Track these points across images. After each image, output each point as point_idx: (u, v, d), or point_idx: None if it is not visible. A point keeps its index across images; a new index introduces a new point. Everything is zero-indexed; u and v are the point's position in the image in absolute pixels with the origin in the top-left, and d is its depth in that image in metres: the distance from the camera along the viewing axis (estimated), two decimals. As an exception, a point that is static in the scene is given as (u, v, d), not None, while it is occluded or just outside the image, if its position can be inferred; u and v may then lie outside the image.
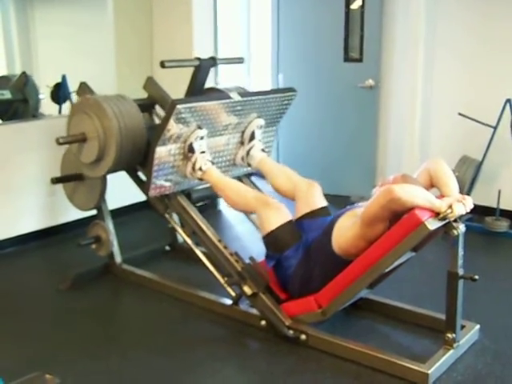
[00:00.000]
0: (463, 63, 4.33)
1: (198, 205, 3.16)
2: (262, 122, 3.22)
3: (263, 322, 2.71)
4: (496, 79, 4.20)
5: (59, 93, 4.39)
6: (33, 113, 4.27)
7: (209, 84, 3.55)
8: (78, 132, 2.96)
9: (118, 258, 3.42)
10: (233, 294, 2.85)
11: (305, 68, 5.04)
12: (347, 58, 4.79)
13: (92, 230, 3.42)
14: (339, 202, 2.95)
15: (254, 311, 2.76)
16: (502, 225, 4.01)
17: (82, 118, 2.94)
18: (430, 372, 2.31)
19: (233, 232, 4.22)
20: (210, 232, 2.95)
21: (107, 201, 3.41)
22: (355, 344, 2.50)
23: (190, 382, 2.40)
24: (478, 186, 4.08)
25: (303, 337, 2.59)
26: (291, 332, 2.62)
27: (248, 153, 3.21)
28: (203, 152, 2.95)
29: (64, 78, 4.34)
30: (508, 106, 3.94)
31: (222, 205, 4.57)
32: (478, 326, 2.67)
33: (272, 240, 2.71)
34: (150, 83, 3.25)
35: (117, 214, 3.73)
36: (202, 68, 3.30)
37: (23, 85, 4.27)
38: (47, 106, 4.41)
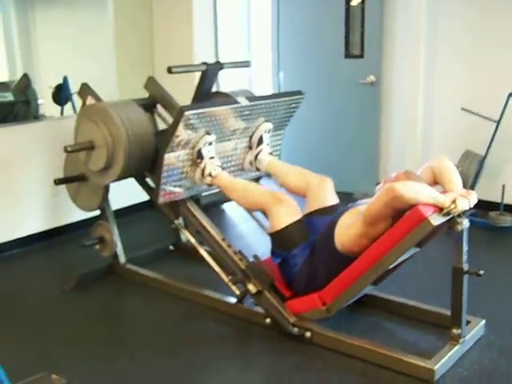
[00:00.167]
0: (465, 58, 4.32)
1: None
2: (269, 126, 3.20)
3: (268, 320, 2.71)
4: (498, 74, 4.18)
5: (61, 94, 4.39)
6: (33, 115, 4.27)
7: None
8: (85, 140, 2.95)
9: (122, 258, 3.43)
10: (237, 292, 2.85)
11: (306, 65, 5.04)
12: (348, 55, 4.79)
13: (96, 231, 3.42)
14: (341, 198, 2.93)
15: (259, 309, 2.76)
16: (507, 220, 3.99)
17: (89, 125, 2.93)
18: (435, 368, 2.30)
19: (236, 231, 4.22)
20: (213, 231, 2.95)
21: (110, 201, 3.42)
22: (360, 341, 2.50)
23: (196, 381, 2.40)
24: (481, 181, 4.07)
25: (308, 334, 2.59)
26: (296, 329, 2.61)
27: (256, 157, 3.19)
28: (212, 157, 2.94)
29: (65, 79, 4.34)
30: (511, 100, 3.93)
31: (225, 204, 4.56)
32: (483, 322, 2.66)
33: (280, 238, 2.70)
34: (151, 83, 3.25)
35: (120, 214, 3.73)
36: (209, 73, 3.28)
37: (25, 87, 4.27)
38: (49, 107, 4.42)
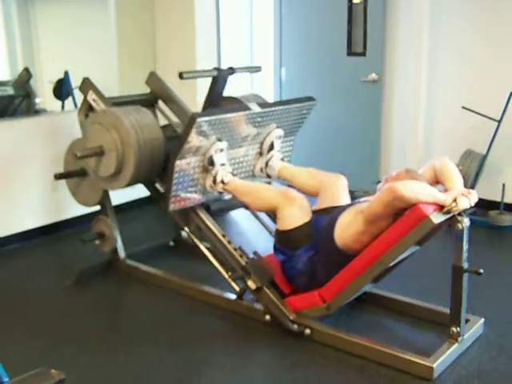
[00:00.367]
0: (467, 57, 4.31)
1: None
2: (280, 132, 3.17)
3: (268, 317, 2.71)
4: (500, 73, 4.17)
5: (62, 89, 4.38)
6: (34, 109, 4.27)
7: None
8: (95, 145, 2.93)
9: (122, 254, 3.43)
10: (237, 288, 2.85)
11: (308, 62, 5.03)
12: (350, 52, 4.78)
13: (96, 226, 3.42)
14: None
15: (259, 306, 2.77)
16: (507, 219, 3.99)
17: (99, 131, 2.91)
18: (434, 366, 2.31)
19: (237, 228, 4.22)
20: (214, 227, 2.95)
21: (111, 196, 3.41)
22: (360, 338, 2.50)
23: (195, 377, 2.41)
24: (482, 180, 4.06)
25: (308, 331, 2.59)
26: (296, 326, 2.62)
27: (267, 164, 3.16)
28: (223, 164, 2.91)
29: (66, 74, 4.33)
30: (512, 100, 3.93)
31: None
32: (482, 320, 2.66)
33: (287, 237, 2.68)
34: (152, 78, 3.25)
35: (120, 209, 3.74)
36: (220, 78, 3.26)
37: (25, 81, 4.27)
38: (50, 102, 4.41)
